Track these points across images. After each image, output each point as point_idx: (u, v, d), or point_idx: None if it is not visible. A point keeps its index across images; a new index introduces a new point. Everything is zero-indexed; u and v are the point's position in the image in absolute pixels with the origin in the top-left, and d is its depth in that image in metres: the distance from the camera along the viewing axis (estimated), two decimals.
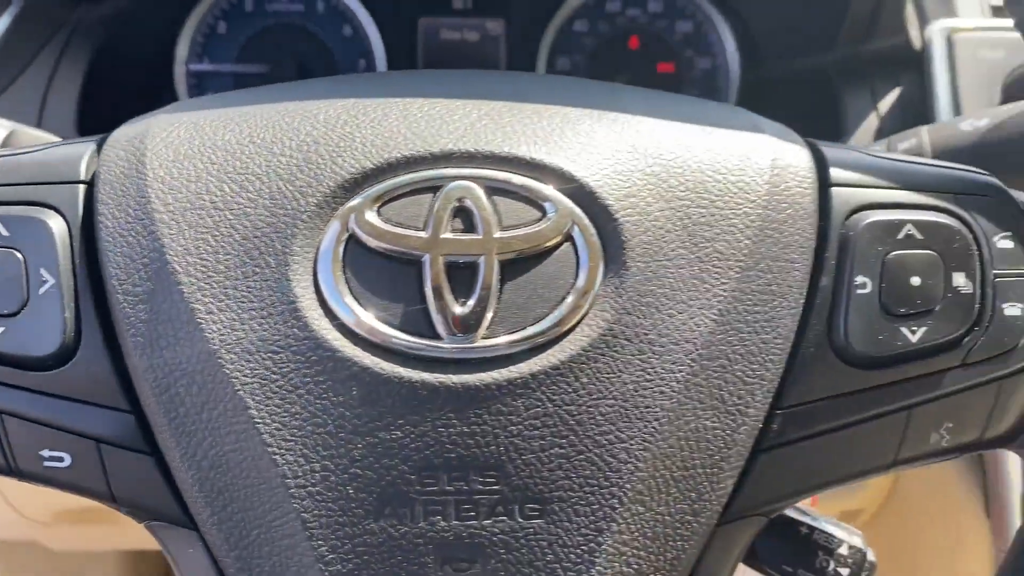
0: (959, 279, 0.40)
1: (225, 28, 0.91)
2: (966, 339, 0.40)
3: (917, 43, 0.75)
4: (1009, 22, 0.74)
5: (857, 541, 0.51)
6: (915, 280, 0.40)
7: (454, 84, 0.44)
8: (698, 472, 0.39)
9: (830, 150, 0.43)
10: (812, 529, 0.51)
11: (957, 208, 0.41)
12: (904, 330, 0.40)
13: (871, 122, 0.75)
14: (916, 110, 0.74)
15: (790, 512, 0.52)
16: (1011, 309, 0.41)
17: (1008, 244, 0.41)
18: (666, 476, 0.38)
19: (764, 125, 0.43)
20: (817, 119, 0.81)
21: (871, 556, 0.51)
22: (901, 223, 0.41)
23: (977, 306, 0.40)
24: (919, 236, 0.40)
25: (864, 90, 0.77)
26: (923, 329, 0.40)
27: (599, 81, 0.46)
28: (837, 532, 0.51)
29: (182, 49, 0.91)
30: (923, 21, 0.75)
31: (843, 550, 0.50)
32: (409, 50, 0.93)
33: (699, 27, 0.94)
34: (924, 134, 0.58)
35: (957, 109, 0.71)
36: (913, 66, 0.75)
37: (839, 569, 0.50)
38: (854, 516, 0.82)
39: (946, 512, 0.76)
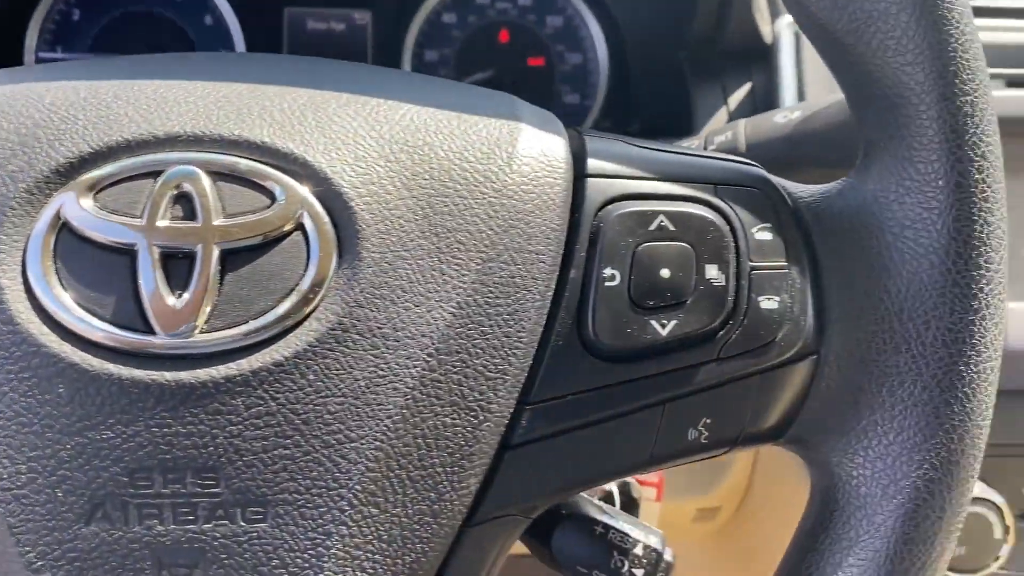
0: (712, 271, 0.39)
1: (79, 15, 0.88)
2: (720, 333, 0.39)
3: (768, 38, 0.75)
4: None
5: (654, 541, 0.50)
6: (665, 272, 0.39)
7: (207, 66, 0.42)
8: (437, 472, 0.37)
9: (593, 140, 0.42)
10: (608, 529, 0.50)
11: (715, 199, 0.40)
12: (654, 323, 0.39)
13: (721, 117, 0.75)
14: (766, 105, 0.74)
15: (589, 511, 0.51)
16: (768, 302, 0.40)
17: (767, 236, 0.40)
18: (402, 476, 0.37)
19: (524, 113, 0.41)
20: (678, 115, 0.80)
21: (668, 556, 0.50)
22: (654, 214, 0.39)
23: (731, 299, 0.39)
24: (671, 227, 0.39)
25: (715, 85, 0.76)
26: (673, 322, 0.39)
27: (367, 65, 0.45)
28: (633, 532, 0.50)
29: (31, 37, 0.87)
30: (774, 15, 0.75)
31: (638, 550, 0.49)
32: (274, 40, 0.91)
33: (569, 21, 0.92)
34: (740, 128, 0.58)
35: None
36: (763, 61, 0.75)
37: (633, 570, 0.49)
38: (712, 514, 0.81)
39: (799, 510, 0.76)
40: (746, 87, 0.76)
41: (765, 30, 0.75)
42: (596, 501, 0.52)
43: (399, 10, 0.91)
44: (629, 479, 0.73)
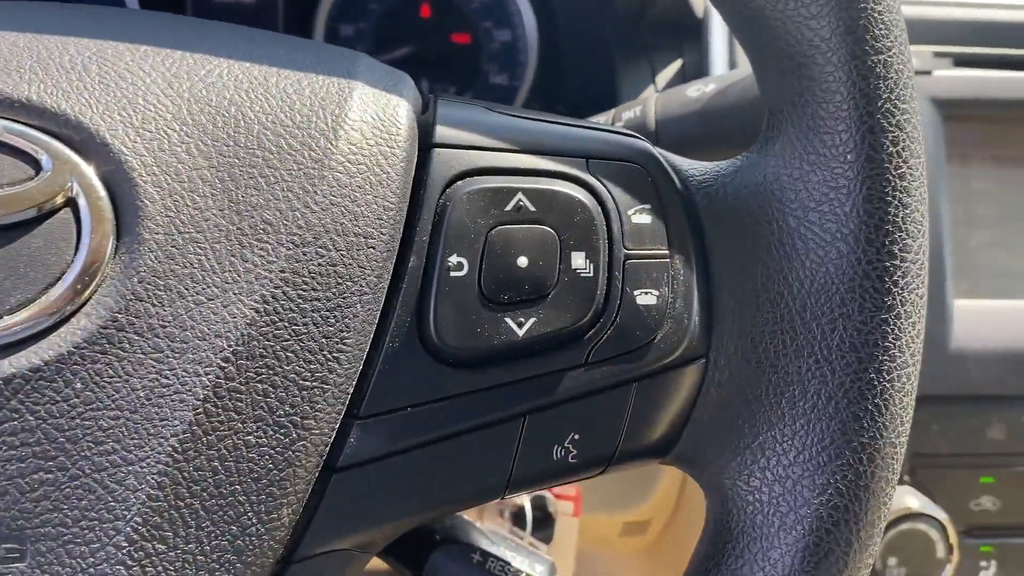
0: (578, 260, 0.33)
1: None
2: (588, 333, 0.33)
3: (699, 11, 0.69)
4: None
5: (539, 571, 0.44)
6: (522, 260, 0.33)
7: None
8: (240, 501, 0.31)
9: (447, 105, 0.35)
10: (487, 557, 0.44)
11: (586, 175, 0.34)
12: (509, 321, 0.33)
13: (648, 96, 0.68)
14: None
15: (468, 535, 0.45)
16: (644, 297, 0.34)
17: (645, 219, 0.34)
18: (194, 506, 0.30)
19: (363, 70, 0.35)
20: (605, 95, 0.74)
21: None
22: (511, 192, 0.33)
23: (600, 293, 0.33)
24: (531, 208, 0.33)
25: (642, 63, 0.70)
26: (532, 320, 0.33)
27: (188, 17, 0.38)
28: (516, 560, 0.44)
29: None
30: None
31: None
32: (179, 12, 0.84)
33: None
34: (651, 102, 0.52)
35: None
36: (695, 36, 0.68)
37: None
38: (641, 528, 0.75)
39: None
40: (676, 64, 0.70)
41: (696, 3, 0.69)
42: (478, 524, 0.46)
43: None
44: (544, 493, 0.67)
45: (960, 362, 0.63)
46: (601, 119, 0.55)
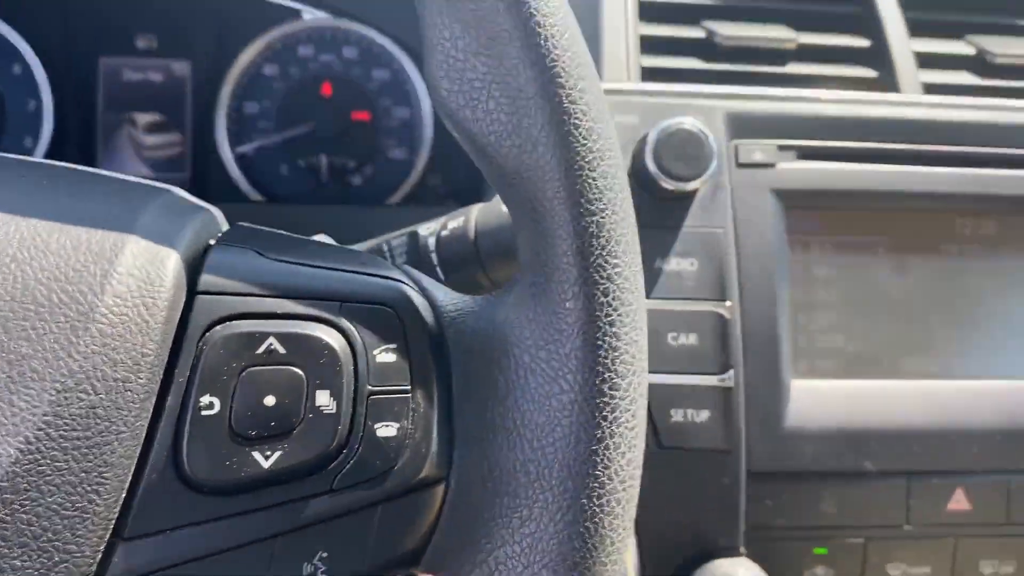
0: (322, 398, 0.37)
1: None
2: (332, 463, 0.37)
3: None
4: (651, 86, 0.72)
5: None
6: (270, 399, 0.37)
7: None
8: None
9: (219, 251, 0.39)
10: None
11: (337, 318, 0.38)
12: (256, 455, 0.37)
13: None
14: None
15: None
16: (385, 429, 0.38)
17: (389, 358, 0.38)
18: None
19: (148, 218, 0.39)
20: None
21: None
22: (263, 336, 0.37)
23: (342, 427, 0.37)
24: (282, 350, 0.37)
25: None
26: (278, 453, 0.37)
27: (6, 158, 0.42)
28: None
29: None
30: None
31: None
32: (88, 91, 0.88)
33: (396, 75, 0.91)
34: (473, 213, 0.56)
35: None
36: None
37: None
38: None
39: None
40: None
41: None
42: None
43: (217, 62, 0.88)
44: None
45: (796, 440, 0.67)
46: (432, 225, 0.59)
